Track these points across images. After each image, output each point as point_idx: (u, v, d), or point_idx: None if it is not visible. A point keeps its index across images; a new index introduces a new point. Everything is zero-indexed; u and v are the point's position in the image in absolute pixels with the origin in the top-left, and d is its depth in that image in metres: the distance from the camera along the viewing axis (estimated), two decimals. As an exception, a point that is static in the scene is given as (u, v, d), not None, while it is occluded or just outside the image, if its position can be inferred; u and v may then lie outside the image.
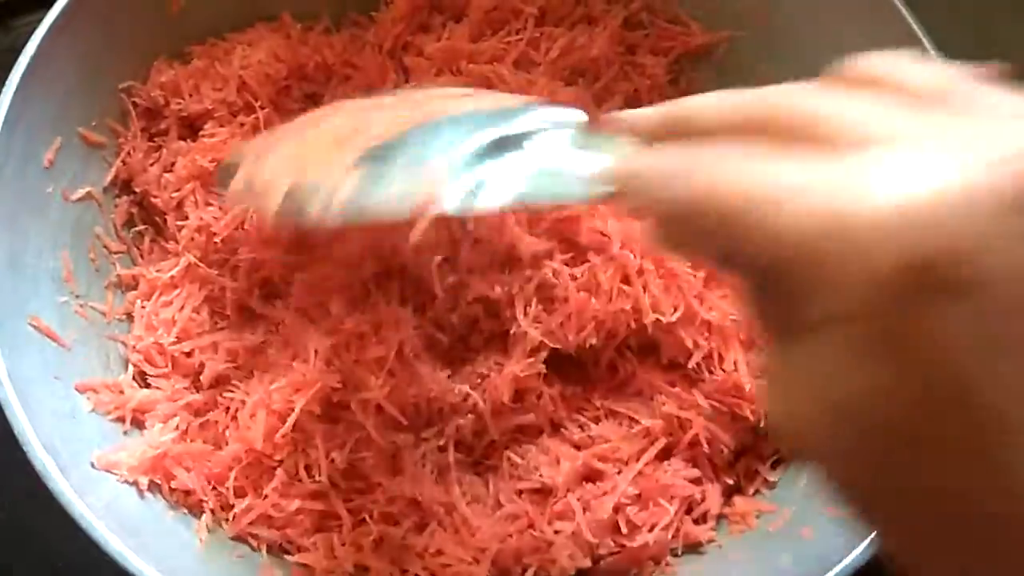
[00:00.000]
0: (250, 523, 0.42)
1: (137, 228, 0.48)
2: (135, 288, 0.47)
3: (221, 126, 0.48)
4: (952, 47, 0.43)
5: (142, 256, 0.48)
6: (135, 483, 0.41)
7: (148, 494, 0.41)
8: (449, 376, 0.44)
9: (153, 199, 0.48)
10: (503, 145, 0.31)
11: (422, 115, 0.35)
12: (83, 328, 0.45)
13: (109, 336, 0.46)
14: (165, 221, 0.48)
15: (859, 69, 0.21)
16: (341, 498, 0.42)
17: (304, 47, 0.50)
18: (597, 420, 0.45)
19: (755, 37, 0.50)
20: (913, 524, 0.19)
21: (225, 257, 0.46)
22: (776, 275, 0.19)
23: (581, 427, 0.45)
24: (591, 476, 0.44)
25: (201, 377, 0.45)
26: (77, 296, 0.45)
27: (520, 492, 0.43)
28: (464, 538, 0.42)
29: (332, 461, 0.42)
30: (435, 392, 0.43)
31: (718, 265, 0.21)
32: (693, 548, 0.44)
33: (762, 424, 0.44)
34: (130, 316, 0.47)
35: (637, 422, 0.44)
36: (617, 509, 0.42)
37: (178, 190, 0.47)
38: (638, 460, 0.43)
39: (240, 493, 0.42)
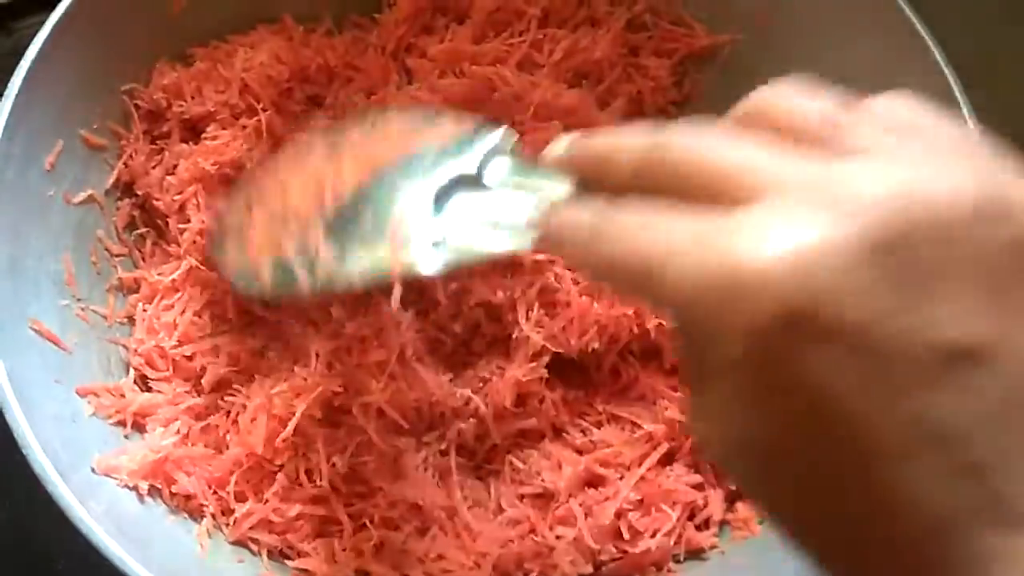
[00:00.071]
0: (251, 528, 0.42)
1: (139, 231, 0.48)
2: (136, 291, 0.47)
3: (223, 128, 0.48)
4: (955, 46, 0.42)
5: (144, 259, 0.48)
6: (135, 487, 0.41)
7: (148, 498, 0.41)
8: (451, 380, 0.44)
9: (155, 202, 0.48)
10: (453, 187, 0.32)
11: (372, 163, 0.37)
12: (84, 331, 0.44)
13: (110, 339, 0.46)
14: (167, 224, 0.48)
15: (753, 106, 0.22)
16: (342, 503, 0.42)
17: (306, 49, 0.50)
18: (599, 425, 0.45)
19: (759, 39, 0.49)
20: (831, 547, 0.21)
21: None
22: (681, 324, 0.21)
23: (583, 432, 0.45)
24: (593, 481, 0.43)
25: (202, 381, 0.45)
26: (78, 299, 0.45)
27: (522, 497, 0.43)
28: (465, 543, 0.42)
29: (333, 465, 0.42)
30: (437, 396, 0.43)
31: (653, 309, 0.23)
32: (695, 554, 0.43)
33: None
34: (131, 319, 0.47)
35: (639, 427, 0.44)
36: (619, 515, 0.42)
37: (180, 193, 0.47)
38: (640, 465, 0.43)
39: (241, 497, 0.42)
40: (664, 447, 0.44)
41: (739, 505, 0.44)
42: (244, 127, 0.48)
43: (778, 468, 0.21)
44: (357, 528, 0.42)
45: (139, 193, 0.48)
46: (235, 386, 0.45)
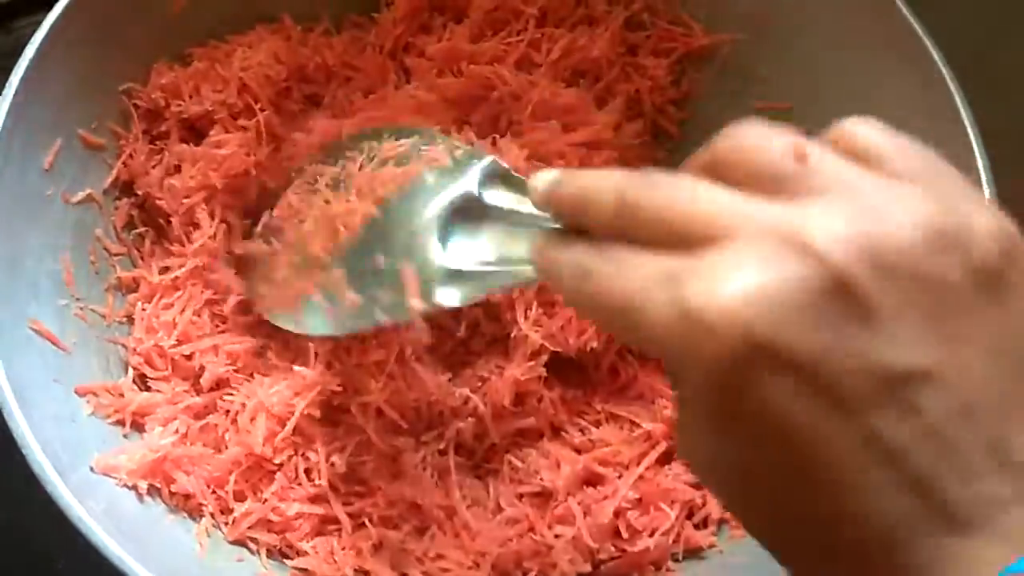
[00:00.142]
0: (249, 527, 0.42)
1: (137, 230, 0.48)
2: (135, 291, 0.47)
3: (226, 131, 0.48)
4: (954, 47, 0.42)
5: (142, 258, 0.48)
6: (134, 487, 0.41)
7: (147, 498, 0.41)
8: (450, 379, 0.44)
9: (157, 201, 0.48)
10: (459, 215, 0.34)
11: (377, 197, 0.39)
12: (83, 331, 0.44)
13: (109, 339, 0.46)
14: (167, 223, 0.48)
15: (722, 149, 0.24)
16: (341, 502, 0.42)
17: (304, 49, 0.50)
18: (598, 424, 0.45)
19: (757, 39, 0.49)
20: (798, 558, 0.23)
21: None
22: (662, 358, 0.23)
23: (582, 431, 0.45)
24: (592, 480, 0.43)
25: (201, 380, 0.45)
26: (77, 299, 0.45)
27: (520, 496, 0.43)
28: (464, 542, 0.42)
29: (332, 465, 0.42)
30: (436, 395, 0.43)
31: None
32: (694, 553, 0.43)
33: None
34: (130, 319, 0.47)
35: (638, 426, 0.44)
36: (618, 513, 0.42)
37: (187, 197, 0.47)
38: (639, 464, 0.43)
39: (240, 497, 0.42)
40: (662, 446, 0.44)
41: (737, 504, 0.44)
42: (244, 128, 0.48)
43: (745, 486, 0.23)
44: (356, 527, 0.42)
45: (138, 193, 0.48)
46: (234, 385, 0.45)
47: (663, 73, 0.51)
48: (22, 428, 0.37)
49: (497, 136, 0.47)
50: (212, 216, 0.47)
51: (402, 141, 0.41)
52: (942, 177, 0.23)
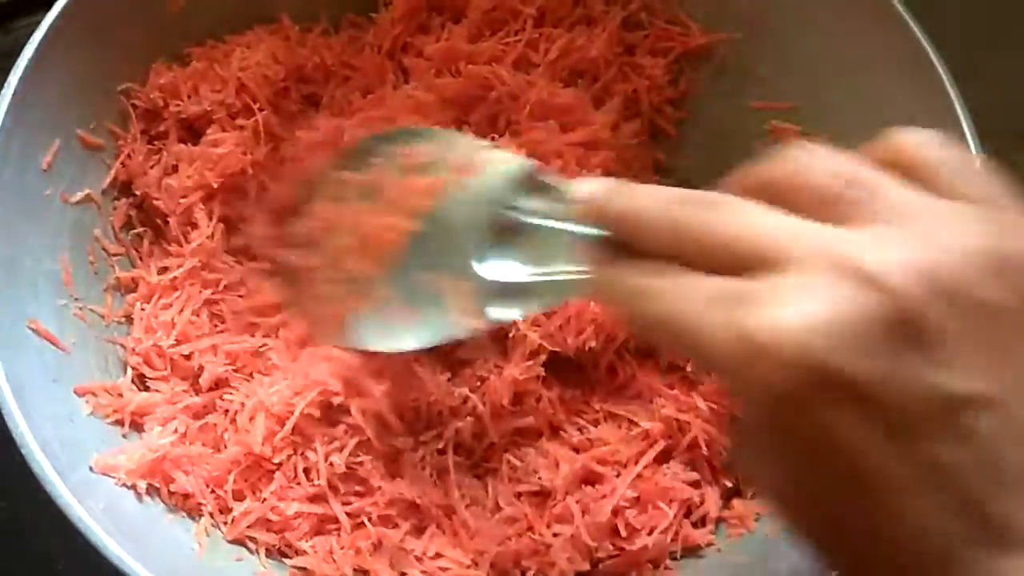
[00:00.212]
0: (248, 526, 0.42)
1: (136, 230, 0.48)
2: (134, 290, 0.47)
3: (223, 130, 0.48)
4: (952, 49, 0.42)
5: (141, 258, 0.48)
6: (133, 486, 0.41)
7: (147, 497, 0.41)
8: (448, 379, 0.44)
9: (155, 201, 0.48)
10: (497, 228, 0.33)
11: (413, 209, 0.37)
12: (82, 331, 0.44)
13: (108, 339, 0.46)
14: (165, 223, 0.48)
15: (782, 172, 0.24)
16: (340, 501, 0.42)
17: (303, 49, 0.50)
18: (596, 423, 0.45)
19: (754, 38, 0.49)
20: (859, 563, 0.23)
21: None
22: (724, 380, 0.24)
23: (580, 430, 0.45)
24: (590, 479, 0.43)
25: (200, 380, 0.45)
26: (76, 299, 0.45)
27: (519, 495, 0.43)
28: (463, 541, 0.42)
29: (331, 464, 0.42)
30: (434, 395, 0.43)
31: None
32: (692, 551, 0.43)
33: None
34: (129, 319, 0.47)
35: (636, 425, 0.44)
36: (616, 512, 0.42)
37: (184, 196, 0.47)
38: (637, 463, 0.43)
39: (239, 496, 0.42)
40: (660, 444, 0.44)
41: (735, 502, 0.44)
42: (242, 128, 0.48)
43: (799, 498, 0.23)
44: (355, 526, 0.42)
45: (137, 193, 0.48)
46: (233, 385, 0.45)
47: (661, 73, 0.51)
48: (21, 428, 0.37)
49: (495, 136, 0.48)
50: (210, 216, 0.47)
51: (423, 148, 0.39)
52: (999, 201, 0.24)
